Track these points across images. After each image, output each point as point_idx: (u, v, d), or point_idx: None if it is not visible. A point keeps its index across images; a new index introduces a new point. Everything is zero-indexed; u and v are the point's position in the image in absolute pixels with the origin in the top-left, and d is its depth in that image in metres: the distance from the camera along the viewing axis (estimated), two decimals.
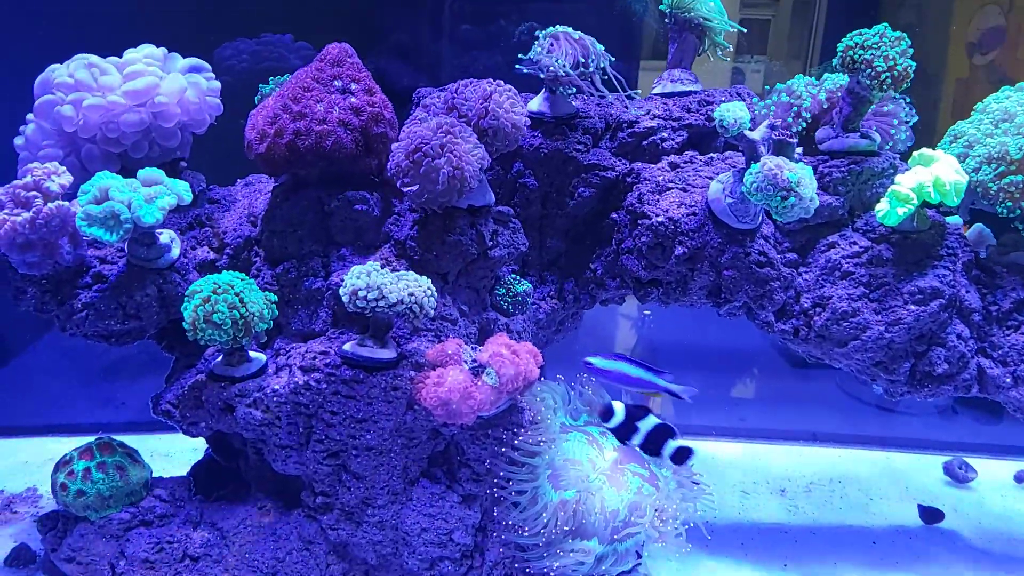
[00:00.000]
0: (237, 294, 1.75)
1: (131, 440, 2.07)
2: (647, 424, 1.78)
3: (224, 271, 1.85)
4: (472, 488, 1.93)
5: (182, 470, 2.15)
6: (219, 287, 1.75)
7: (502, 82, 1.96)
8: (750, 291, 2.02)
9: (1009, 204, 1.99)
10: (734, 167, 2.04)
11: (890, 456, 2.91)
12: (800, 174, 1.81)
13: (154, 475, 2.05)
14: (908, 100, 2.14)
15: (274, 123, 1.85)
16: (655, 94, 2.30)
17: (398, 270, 1.83)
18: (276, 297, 1.85)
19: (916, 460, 2.88)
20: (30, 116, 2.04)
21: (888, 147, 2.12)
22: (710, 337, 3.53)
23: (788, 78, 2.18)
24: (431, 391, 1.76)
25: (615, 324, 3.69)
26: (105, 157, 2.04)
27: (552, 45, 2.02)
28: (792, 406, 3.24)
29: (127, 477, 1.94)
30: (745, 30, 2.28)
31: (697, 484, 2.09)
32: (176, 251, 1.96)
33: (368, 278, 1.72)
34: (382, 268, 1.78)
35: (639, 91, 2.20)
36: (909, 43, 1.93)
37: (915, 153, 2.03)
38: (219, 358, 1.88)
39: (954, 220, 2.12)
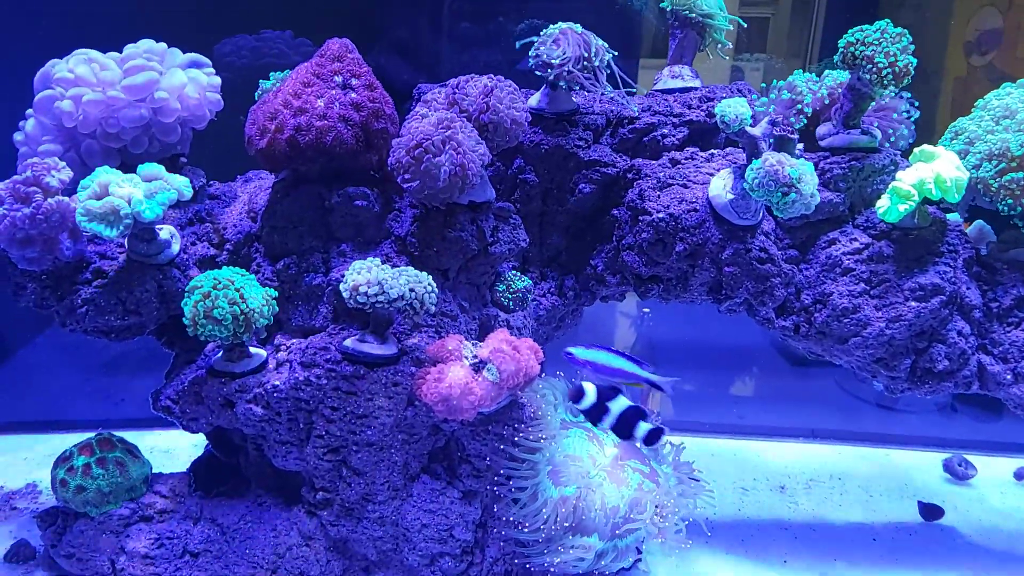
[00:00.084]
0: (237, 290, 1.75)
1: (131, 436, 2.07)
2: (618, 406, 1.76)
3: (224, 267, 1.85)
4: (472, 484, 1.93)
5: (182, 466, 2.15)
6: (219, 283, 1.74)
7: (502, 77, 1.96)
8: (751, 287, 2.02)
9: (1010, 201, 1.98)
10: (735, 163, 2.04)
11: (890, 453, 2.91)
12: (801, 170, 1.81)
13: (154, 471, 2.05)
14: (908, 96, 2.13)
15: (274, 119, 1.85)
16: (656, 90, 2.30)
17: (399, 266, 1.83)
18: (276, 293, 1.85)
19: (916, 457, 2.88)
20: (30, 111, 2.04)
21: (889, 144, 2.12)
22: (709, 335, 3.53)
23: (788, 76, 2.18)
24: (432, 387, 1.76)
25: (614, 322, 3.69)
26: (105, 152, 2.03)
27: (558, 40, 2.01)
28: (791, 404, 3.24)
29: (127, 473, 1.94)
30: (746, 24, 2.27)
31: (696, 481, 2.09)
32: (176, 247, 1.96)
33: (369, 274, 1.72)
34: (383, 264, 1.77)
35: (641, 86, 2.20)
36: (910, 39, 1.93)
37: (916, 150, 2.03)
38: (219, 354, 1.88)
39: (954, 217, 2.12)
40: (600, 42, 2.04)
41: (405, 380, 1.81)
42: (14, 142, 2.05)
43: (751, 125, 1.91)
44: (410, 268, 1.79)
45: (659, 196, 2.05)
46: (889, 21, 1.94)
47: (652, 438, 1.77)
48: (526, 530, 1.89)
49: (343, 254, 1.94)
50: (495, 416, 1.87)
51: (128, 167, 1.87)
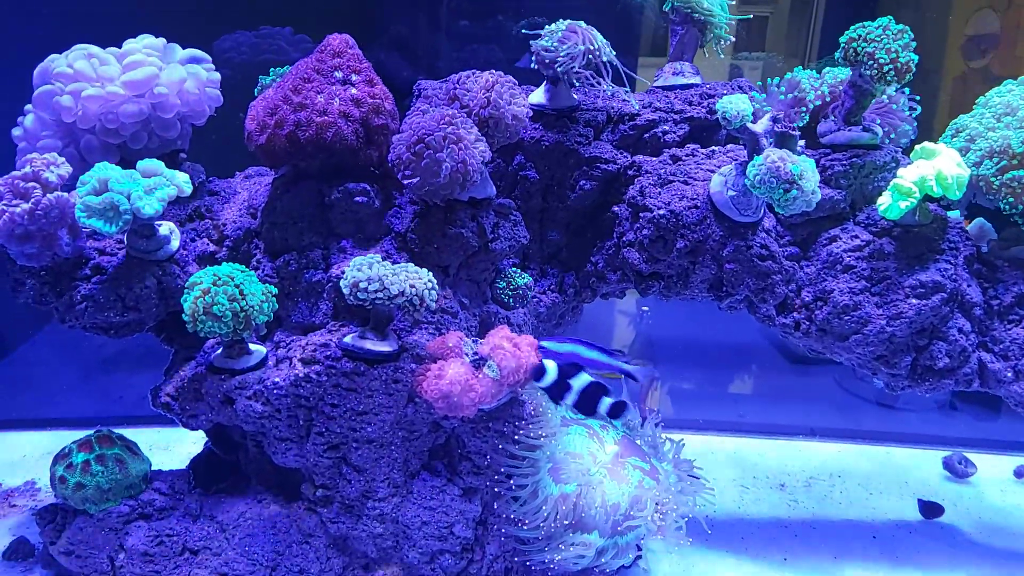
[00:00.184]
0: (237, 286, 1.74)
1: (129, 434, 2.07)
2: (580, 382, 1.74)
3: (224, 263, 1.84)
4: (473, 481, 1.93)
5: (181, 463, 2.14)
6: (219, 279, 1.74)
7: (503, 73, 1.95)
8: (752, 284, 2.01)
9: (1011, 200, 1.98)
10: (736, 160, 2.04)
11: (890, 451, 2.91)
12: (803, 167, 1.81)
13: (153, 468, 2.05)
14: (909, 92, 2.13)
15: (274, 114, 1.84)
16: (656, 87, 2.30)
17: (399, 262, 1.82)
18: (276, 289, 1.84)
19: (916, 455, 2.88)
20: (29, 107, 2.03)
21: (888, 140, 2.12)
22: (708, 333, 3.53)
23: (786, 74, 2.17)
24: (432, 384, 1.76)
25: (613, 320, 3.69)
26: (104, 148, 2.03)
27: (567, 36, 2.00)
28: (791, 402, 3.24)
29: (126, 470, 1.94)
30: (751, 15, 2.26)
31: (697, 478, 2.09)
32: (175, 243, 1.95)
33: (369, 270, 1.71)
34: (383, 261, 1.77)
35: (641, 84, 2.20)
36: (912, 36, 1.93)
37: (917, 147, 2.02)
38: (219, 350, 1.88)
39: (955, 215, 2.12)
40: (603, 39, 2.04)
41: (405, 377, 1.80)
42: (13, 138, 2.04)
43: (752, 122, 1.90)
44: (410, 265, 1.78)
45: (660, 193, 2.05)
46: (891, 18, 1.93)
47: (615, 412, 1.75)
48: (526, 527, 1.89)
49: (343, 250, 1.93)
50: (496, 413, 1.86)
51: (127, 163, 1.86)
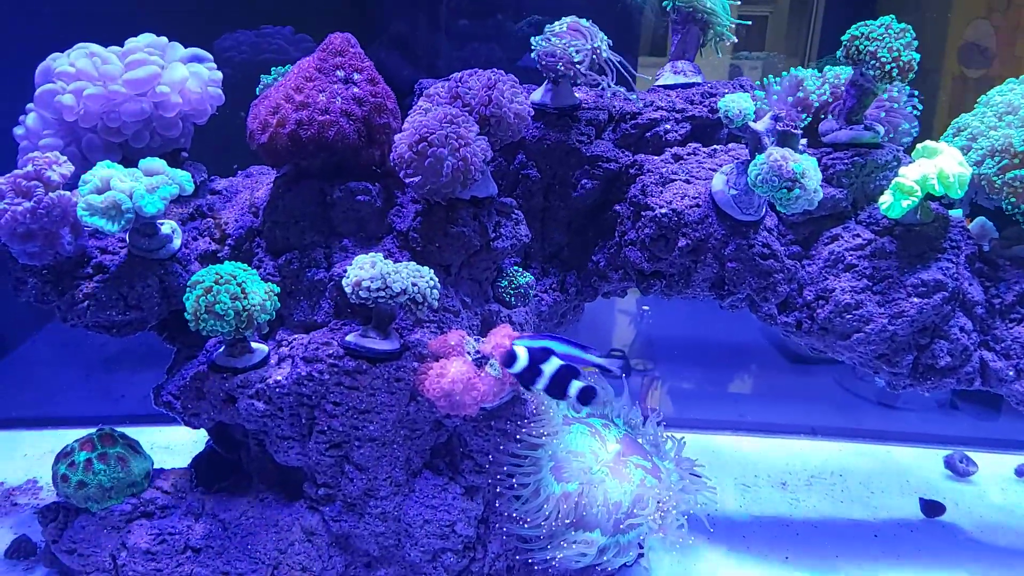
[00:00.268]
0: (239, 284, 1.74)
1: (131, 433, 2.07)
2: (551, 367, 1.73)
3: (226, 262, 1.84)
4: (475, 480, 1.93)
5: (183, 462, 2.14)
6: (221, 277, 1.74)
7: (505, 72, 1.95)
8: (753, 283, 2.01)
9: (1013, 200, 1.98)
10: (738, 159, 2.04)
11: (891, 450, 2.91)
12: (805, 165, 1.81)
13: (155, 467, 2.05)
14: (909, 90, 2.13)
15: (276, 113, 1.84)
16: (658, 85, 2.30)
17: (401, 261, 1.83)
18: (278, 288, 1.84)
19: (917, 454, 2.88)
20: (31, 105, 2.03)
21: (889, 138, 2.12)
22: (708, 332, 3.53)
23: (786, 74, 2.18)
24: (434, 382, 1.76)
25: (614, 319, 3.69)
26: (106, 147, 2.03)
27: (570, 34, 2.00)
28: (791, 402, 3.24)
29: (128, 468, 1.94)
30: (750, 23, 2.26)
31: (698, 477, 2.09)
32: (177, 242, 1.95)
33: (372, 269, 1.71)
34: (385, 259, 1.77)
35: (640, 84, 2.20)
36: (914, 35, 1.93)
37: (919, 145, 2.02)
38: (221, 349, 1.88)
39: (956, 213, 2.12)
40: (603, 36, 2.04)
41: (407, 375, 1.80)
42: (15, 136, 2.04)
43: (754, 120, 1.90)
44: (412, 263, 1.78)
45: (662, 192, 2.05)
46: (893, 17, 1.93)
47: (585, 396, 1.74)
48: (528, 526, 1.89)
49: (345, 249, 1.93)
50: (498, 412, 1.86)
51: (129, 162, 1.86)
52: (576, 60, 1.99)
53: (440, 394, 1.75)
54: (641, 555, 2.10)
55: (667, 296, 2.14)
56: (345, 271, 1.76)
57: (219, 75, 2.15)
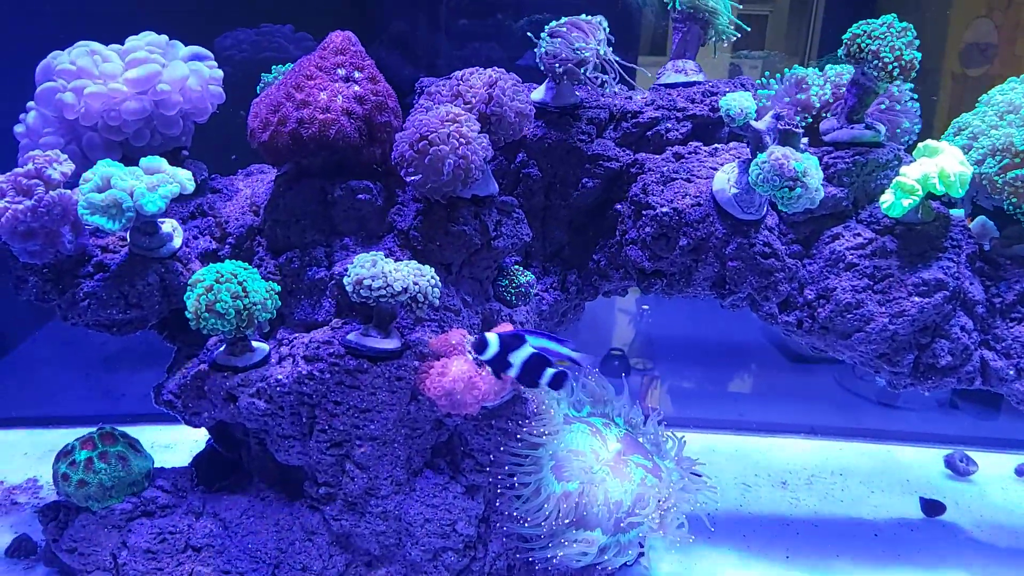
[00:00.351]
0: (240, 283, 1.74)
1: (132, 431, 2.06)
2: (522, 354, 1.73)
3: (227, 260, 1.84)
4: (475, 479, 1.93)
5: (183, 461, 2.14)
6: (222, 276, 1.74)
7: (506, 71, 1.95)
8: (754, 282, 2.01)
9: (1015, 200, 1.98)
10: (739, 158, 2.04)
11: (891, 449, 2.91)
12: (806, 164, 1.81)
13: (156, 466, 2.04)
14: (910, 88, 2.13)
15: (277, 111, 1.84)
16: (659, 84, 2.29)
17: (402, 260, 1.82)
18: (279, 287, 1.84)
19: (917, 453, 2.88)
20: (31, 103, 2.02)
21: (889, 137, 2.11)
22: (708, 331, 3.54)
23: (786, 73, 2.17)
24: (435, 381, 1.76)
25: (614, 318, 3.69)
26: (106, 145, 2.02)
27: (575, 33, 2.00)
28: (791, 401, 3.25)
29: (129, 467, 1.94)
30: (748, 29, 2.26)
31: (699, 476, 2.09)
32: (178, 240, 1.95)
33: (373, 267, 1.71)
34: (386, 258, 1.77)
35: (641, 84, 2.20)
36: (915, 34, 1.93)
37: (920, 144, 2.02)
38: (222, 348, 1.88)
39: (957, 213, 2.12)
40: (605, 32, 2.04)
41: (408, 374, 1.80)
42: (15, 135, 2.04)
43: (755, 119, 1.90)
44: (413, 262, 1.78)
45: (663, 190, 2.05)
46: (895, 15, 1.93)
47: (556, 383, 1.74)
48: (529, 525, 1.89)
49: (346, 248, 1.93)
50: (498, 411, 1.86)
51: (130, 160, 1.86)
52: (582, 58, 1.98)
53: (441, 393, 1.75)
54: (642, 554, 2.10)
55: (668, 295, 2.14)
56: (346, 270, 1.76)
57: (220, 73, 2.15)
